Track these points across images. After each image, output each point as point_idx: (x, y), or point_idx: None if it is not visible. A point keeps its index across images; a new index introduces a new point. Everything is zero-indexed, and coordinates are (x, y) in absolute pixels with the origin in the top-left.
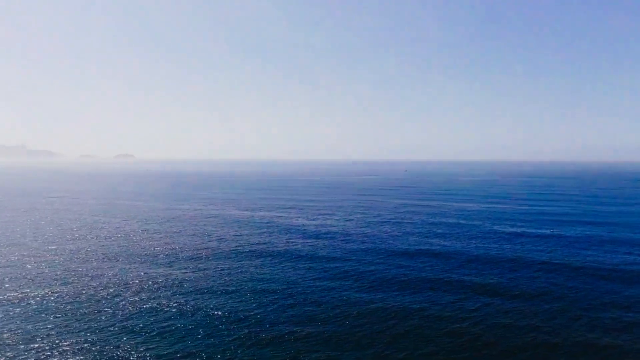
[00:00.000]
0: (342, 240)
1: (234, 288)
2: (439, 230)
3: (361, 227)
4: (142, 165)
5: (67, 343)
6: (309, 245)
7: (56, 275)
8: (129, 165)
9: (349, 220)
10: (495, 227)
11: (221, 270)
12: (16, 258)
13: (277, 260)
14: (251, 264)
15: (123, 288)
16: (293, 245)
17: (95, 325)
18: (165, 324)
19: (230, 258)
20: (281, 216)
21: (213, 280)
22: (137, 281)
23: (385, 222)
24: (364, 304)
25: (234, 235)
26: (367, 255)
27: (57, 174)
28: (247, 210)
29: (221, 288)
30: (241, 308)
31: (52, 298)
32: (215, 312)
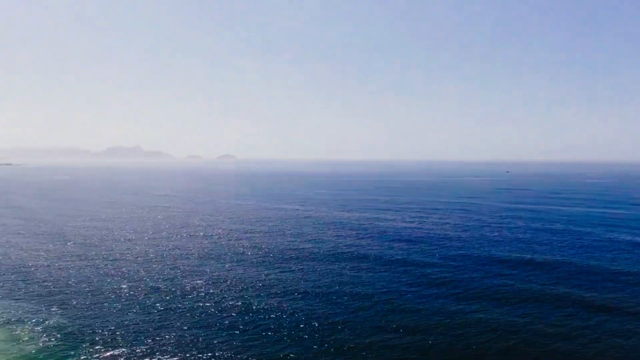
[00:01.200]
0: (438, 245)
1: (329, 290)
2: (545, 237)
3: (459, 231)
4: (242, 165)
5: (171, 336)
6: (404, 249)
7: (162, 271)
8: (230, 165)
9: (446, 223)
10: (609, 235)
11: (317, 272)
12: (128, 253)
13: (372, 264)
14: (346, 266)
15: (223, 286)
16: (388, 249)
17: (194, 321)
18: (262, 324)
19: (326, 260)
20: (376, 217)
21: (309, 282)
22: (235, 280)
23: (485, 226)
24: (464, 314)
25: (329, 237)
26: (466, 261)
27: (166, 173)
28: (342, 211)
29: (317, 290)
30: (337, 311)
31: (158, 293)
32: (311, 315)
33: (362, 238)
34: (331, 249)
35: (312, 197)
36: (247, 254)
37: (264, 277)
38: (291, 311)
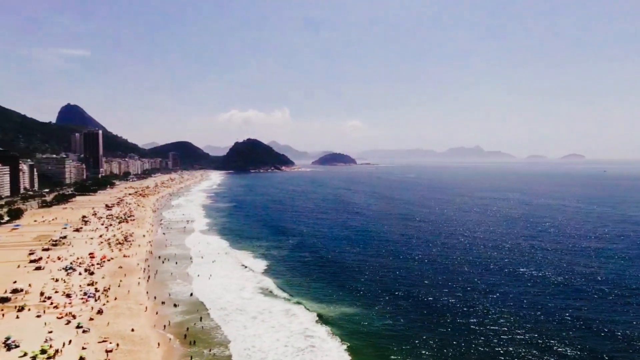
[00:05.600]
0: None
1: None
2: None
3: None
4: (594, 166)
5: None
6: None
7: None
8: (578, 166)
9: None
10: None
11: None
12: (460, 253)
13: None
14: None
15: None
16: None
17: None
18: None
19: None
20: None
21: None
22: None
23: None
24: None
25: None
26: None
27: (507, 174)
28: None
29: None
30: None
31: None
32: None
33: None
34: None
35: None
36: (583, 274)
37: (598, 312)
38: None
